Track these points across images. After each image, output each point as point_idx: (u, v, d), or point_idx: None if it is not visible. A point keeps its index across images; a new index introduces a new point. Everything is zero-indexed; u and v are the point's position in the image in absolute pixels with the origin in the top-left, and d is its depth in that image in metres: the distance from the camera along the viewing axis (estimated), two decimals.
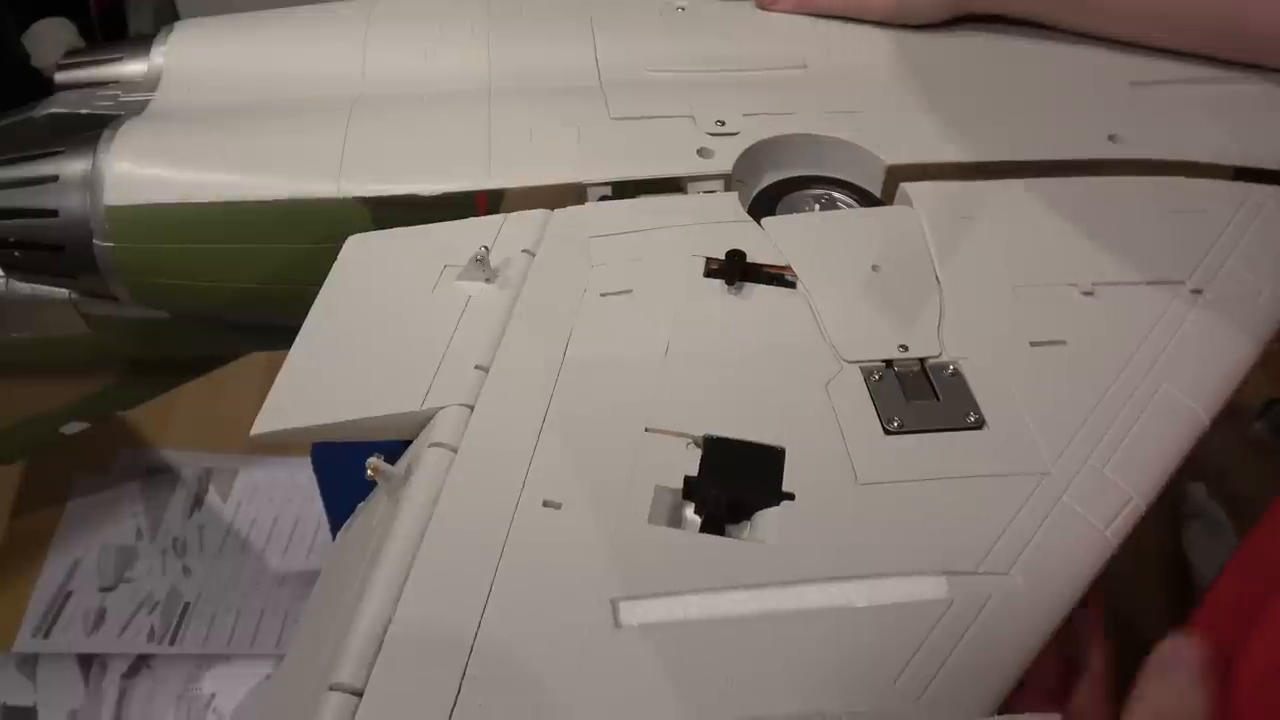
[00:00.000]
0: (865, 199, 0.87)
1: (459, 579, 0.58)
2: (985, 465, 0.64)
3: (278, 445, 1.44)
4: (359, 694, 0.53)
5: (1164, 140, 0.88)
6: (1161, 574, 1.32)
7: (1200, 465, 1.37)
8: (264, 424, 0.68)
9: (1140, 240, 0.80)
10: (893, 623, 0.57)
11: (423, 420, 0.67)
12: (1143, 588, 1.29)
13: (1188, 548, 1.33)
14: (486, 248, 0.75)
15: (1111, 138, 0.88)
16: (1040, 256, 0.78)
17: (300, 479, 1.43)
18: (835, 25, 1.02)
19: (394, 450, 0.68)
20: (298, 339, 0.73)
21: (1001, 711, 0.55)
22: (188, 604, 1.33)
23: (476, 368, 0.69)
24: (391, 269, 0.79)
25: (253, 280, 0.88)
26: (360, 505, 0.69)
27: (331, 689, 0.53)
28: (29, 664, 1.17)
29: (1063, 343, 0.72)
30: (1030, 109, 0.92)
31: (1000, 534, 0.61)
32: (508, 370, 0.69)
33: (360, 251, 0.81)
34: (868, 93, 0.94)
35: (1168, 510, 1.36)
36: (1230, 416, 1.37)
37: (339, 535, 0.70)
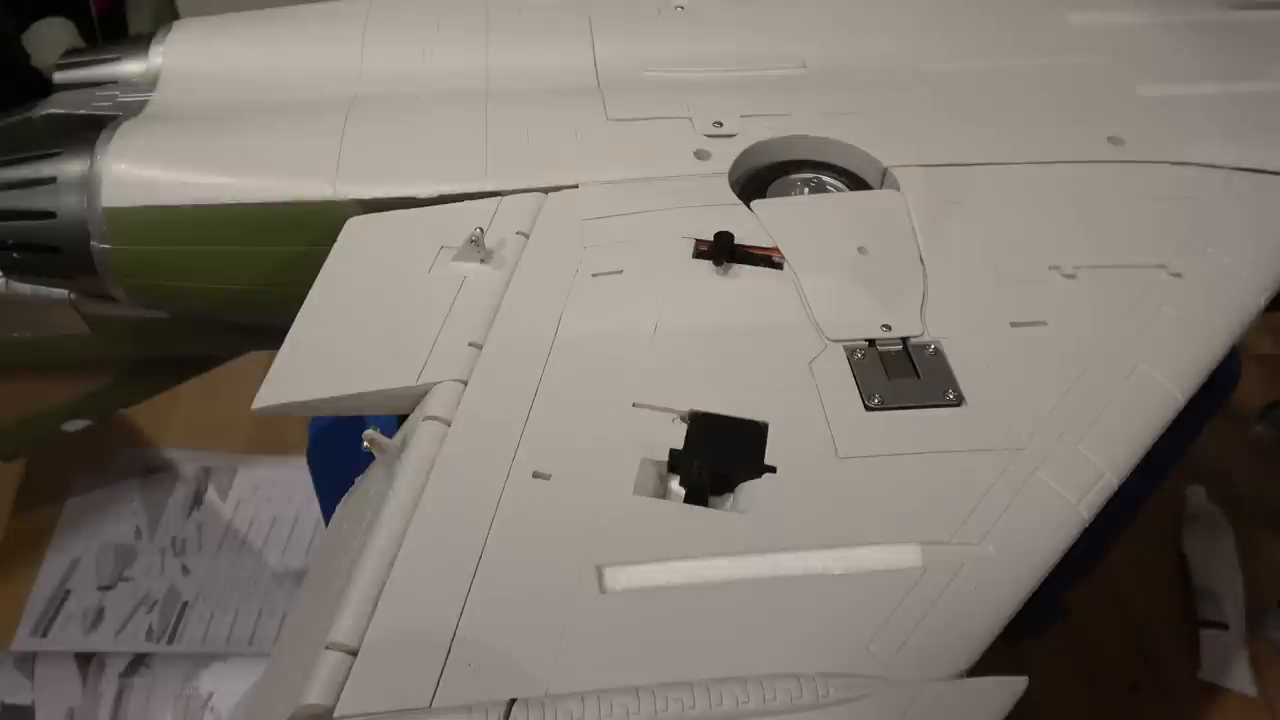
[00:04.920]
0: (854, 183, 0.88)
1: (451, 546, 0.60)
2: (962, 441, 0.66)
3: (277, 444, 1.47)
4: (354, 653, 0.54)
5: (1163, 142, 0.90)
6: (1162, 575, 1.33)
7: (1201, 468, 1.38)
8: (265, 398, 0.69)
9: (1123, 225, 0.82)
10: (867, 589, 0.58)
11: (418, 395, 0.69)
12: (1144, 588, 1.31)
13: (1188, 549, 1.34)
14: (482, 229, 0.76)
15: (1111, 139, 0.90)
16: (1024, 240, 0.80)
17: (299, 478, 1.41)
18: (835, 25, 1.03)
19: (390, 431, 0.70)
20: (298, 317, 0.75)
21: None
22: (186, 603, 1.33)
23: (470, 345, 0.71)
24: (390, 250, 0.80)
25: (251, 281, 0.89)
26: (358, 478, 0.71)
27: (328, 648, 0.55)
28: (27, 662, 1.18)
29: (1043, 324, 0.74)
30: (1030, 110, 0.94)
31: (974, 506, 0.62)
32: (501, 347, 0.71)
33: (360, 233, 0.82)
34: (867, 94, 0.95)
35: (1168, 512, 1.38)
36: (1231, 419, 1.39)
37: (338, 506, 0.72)
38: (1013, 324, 0.74)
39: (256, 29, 1.02)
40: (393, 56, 0.99)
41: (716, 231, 0.78)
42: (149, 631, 1.30)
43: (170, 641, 1.29)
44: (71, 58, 1.03)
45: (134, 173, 0.86)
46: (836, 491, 0.63)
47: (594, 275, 0.77)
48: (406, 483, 0.62)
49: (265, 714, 0.58)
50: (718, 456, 0.65)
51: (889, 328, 0.73)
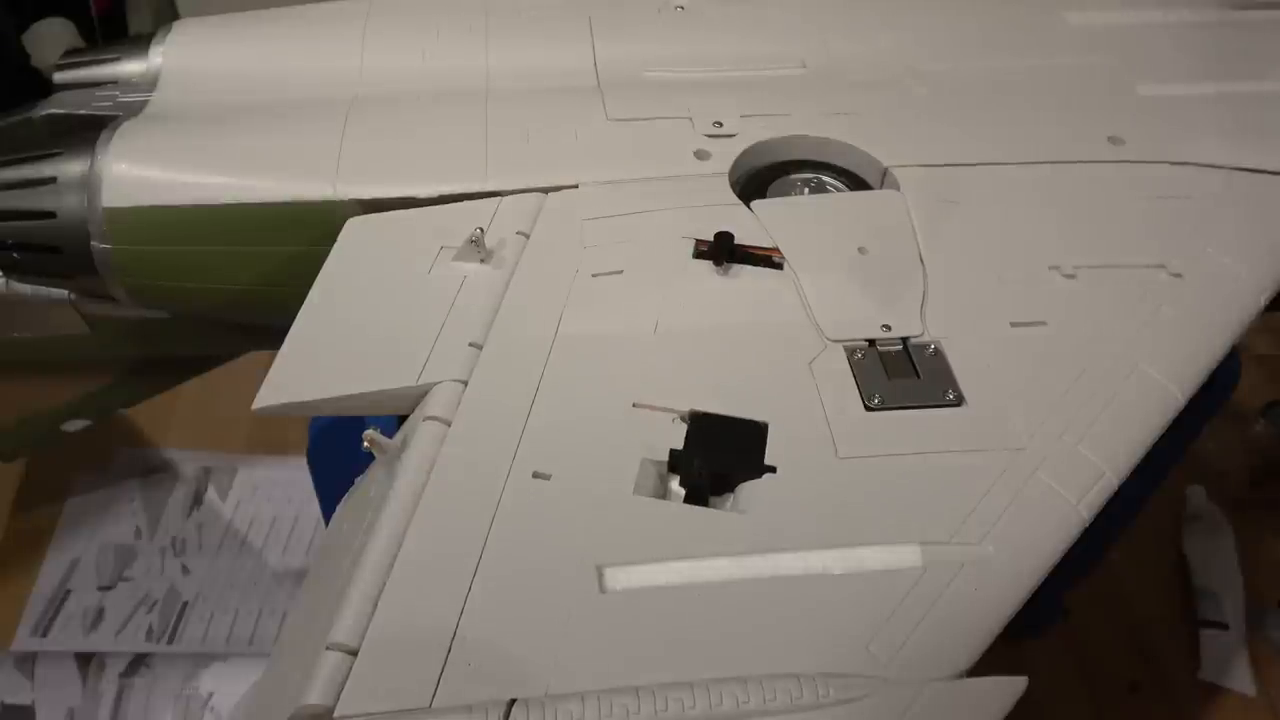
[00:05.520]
0: (854, 183, 0.88)
1: (451, 546, 0.60)
2: (962, 441, 0.66)
3: (277, 444, 1.47)
4: (354, 653, 0.54)
5: (1163, 142, 0.90)
6: (1162, 575, 1.33)
7: (1201, 468, 1.38)
8: (265, 398, 0.69)
9: (1123, 225, 0.82)
10: (867, 589, 0.58)
11: (419, 395, 0.69)
12: (1144, 588, 1.31)
13: (1188, 549, 1.34)
14: (482, 229, 0.77)
15: (1111, 139, 0.90)
16: (1024, 240, 0.80)
17: (299, 478, 1.41)
18: (834, 25, 1.03)
19: (390, 431, 0.70)
20: (298, 317, 0.75)
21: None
22: (186, 603, 1.33)
23: (471, 345, 0.71)
24: (390, 250, 0.80)
25: (251, 281, 0.89)
26: (359, 478, 0.71)
27: (329, 648, 0.55)
28: (27, 662, 1.18)
29: (1043, 324, 0.74)
30: (1030, 110, 0.94)
31: (974, 506, 0.62)
32: (501, 347, 0.71)
33: (360, 233, 0.82)
34: (866, 94, 0.95)
35: (1168, 512, 1.38)
36: (1231, 419, 1.39)
37: (338, 506, 0.72)
38: (1013, 324, 0.74)
39: (257, 29, 1.02)
40: (393, 56, 0.99)
41: (716, 231, 0.78)
42: (149, 631, 1.30)
43: (170, 641, 1.29)
44: (71, 58, 1.02)
45: (134, 173, 0.86)
46: (836, 491, 0.63)
47: (594, 275, 0.77)
48: (407, 483, 0.62)
49: (265, 714, 0.58)
50: (718, 456, 0.65)
51: (889, 328, 0.73)
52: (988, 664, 0.56)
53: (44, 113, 0.98)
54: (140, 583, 1.35)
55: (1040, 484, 0.64)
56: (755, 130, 0.90)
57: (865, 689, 0.53)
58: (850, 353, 0.71)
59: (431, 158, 0.88)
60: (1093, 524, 0.63)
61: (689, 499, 0.64)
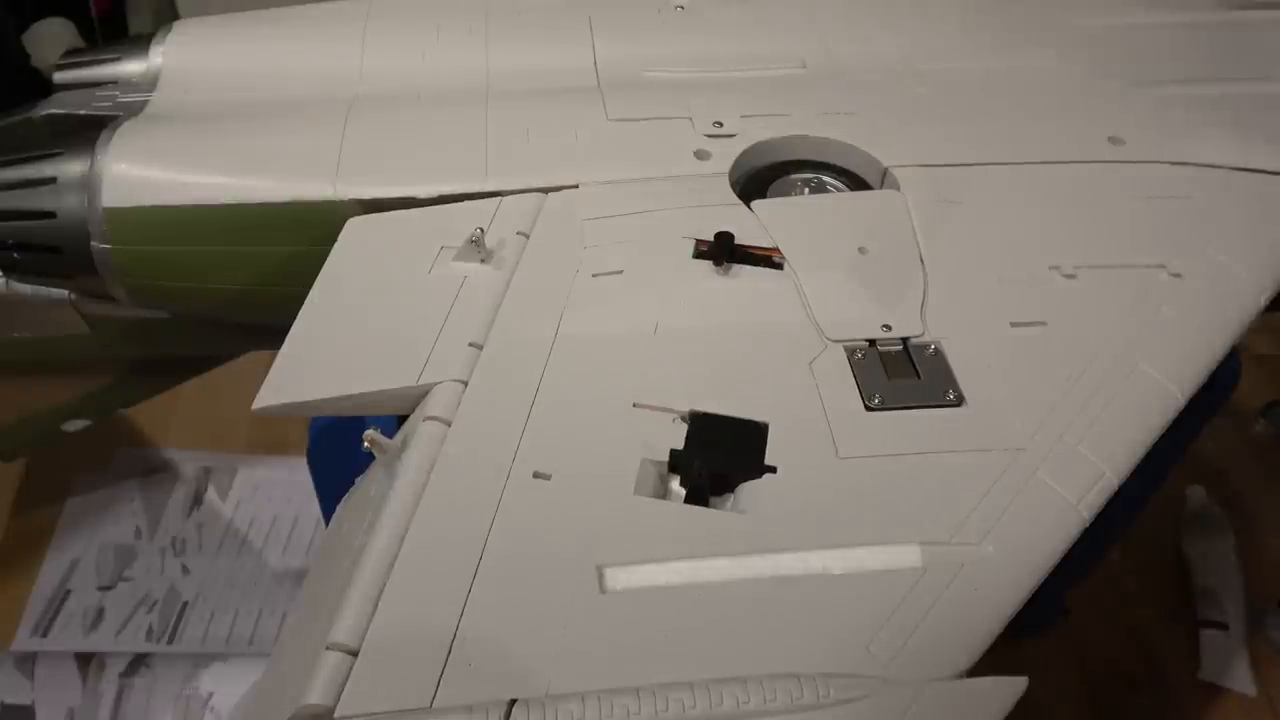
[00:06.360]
0: (854, 183, 0.88)
1: (451, 546, 0.60)
2: (962, 441, 0.66)
3: (277, 444, 1.48)
4: (354, 653, 0.54)
5: (1163, 142, 0.90)
6: (1162, 575, 1.33)
7: (1201, 468, 1.38)
8: (265, 398, 0.69)
9: (1122, 225, 0.82)
10: (867, 590, 0.58)
11: (419, 395, 0.69)
12: (1144, 588, 1.31)
13: (1188, 549, 1.34)
14: (482, 229, 0.76)
15: (1111, 139, 0.90)
16: (1024, 240, 0.80)
17: (299, 478, 1.41)
18: (835, 25, 1.02)
19: (390, 431, 0.70)
20: (298, 317, 0.75)
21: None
22: (186, 603, 1.33)
23: (471, 345, 0.71)
24: (390, 250, 0.80)
25: (251, 281, 0.89)
26: (359, 478, 0.71)
27: (329, 648, 0.54)
28: (27, 662, 1.18)
29: (1043, 324, 0.74)
30: (1030, 110, 0.94)
31: (974, 506, 0.62)
32: (501, 348, 0.71)
33: (360, 233, 0.82)
34: (866, 94, 0.95)
35: (1168, 512, 1.38)
36: (1231, 419, 1.39)
37: (338, 507, 0.72)
38: (1013, 324, 0.74)
39: (257, 29, 1.02)
40: (393, 56, 0.99)
41: (717, 231, 0.78)
42: (149, 631, 1.30)
43: (170, 641, 1.29)
44: (71, 58, 1.03)
45: (134, 173, 0.86)
46: (836, 491, 0.63)
47: (594, 275, 0.77)
48: (407, 483, 0.62)
49: (265, 714, 0.58)
50: (718, 457, 0.65)
51: (889, 328, 0.73)
52: (988, 664, 0.56)
53: (44, 113, 0.98)
54: (140, 583, 1.35)
55: (1040, 484, 0.64)
56: (755, 130, 0.90)
57: (865, 689, 0.53)
58: (850, 353, 0.71)
59: (431, 158, 0.88)
60: (1093, 524, 0.63)
61: (689, 499, 0.64)
